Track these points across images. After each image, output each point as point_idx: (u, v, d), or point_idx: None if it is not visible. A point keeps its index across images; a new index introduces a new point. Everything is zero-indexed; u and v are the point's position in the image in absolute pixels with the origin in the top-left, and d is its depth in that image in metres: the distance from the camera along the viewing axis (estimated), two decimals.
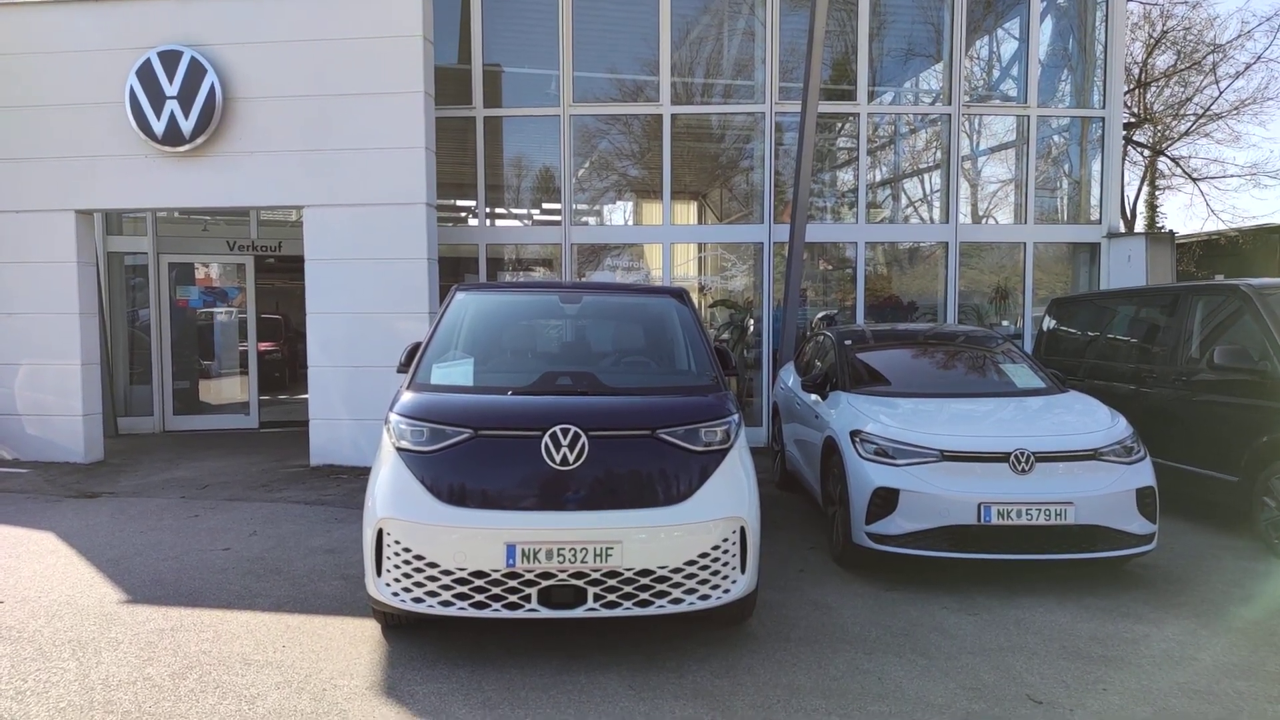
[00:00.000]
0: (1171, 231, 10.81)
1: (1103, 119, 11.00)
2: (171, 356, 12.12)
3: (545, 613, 3.99)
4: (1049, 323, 9.22)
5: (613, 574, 3.98)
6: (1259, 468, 6.04)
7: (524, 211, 11.67)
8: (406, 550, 4.05)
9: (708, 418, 4.35)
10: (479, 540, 3.98)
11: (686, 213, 12.29)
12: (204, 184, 9.37)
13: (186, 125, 9.21)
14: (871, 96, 10.85)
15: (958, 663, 4.18)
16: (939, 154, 11.20)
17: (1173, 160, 19.53)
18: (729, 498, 4.23)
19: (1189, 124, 19.37)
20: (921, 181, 11.75)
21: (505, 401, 4.41)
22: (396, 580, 4.07)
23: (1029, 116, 10.86)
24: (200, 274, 12.46)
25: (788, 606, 4.99)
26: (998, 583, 5.38)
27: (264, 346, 13.70)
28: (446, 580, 4.00)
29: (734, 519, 4.17)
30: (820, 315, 10.60)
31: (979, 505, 5.13)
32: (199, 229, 12.65)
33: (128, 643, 4.35)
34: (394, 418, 4.41)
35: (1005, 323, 11.22)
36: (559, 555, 3.96)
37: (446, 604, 4.00)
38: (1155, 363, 7.30)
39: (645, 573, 4.00)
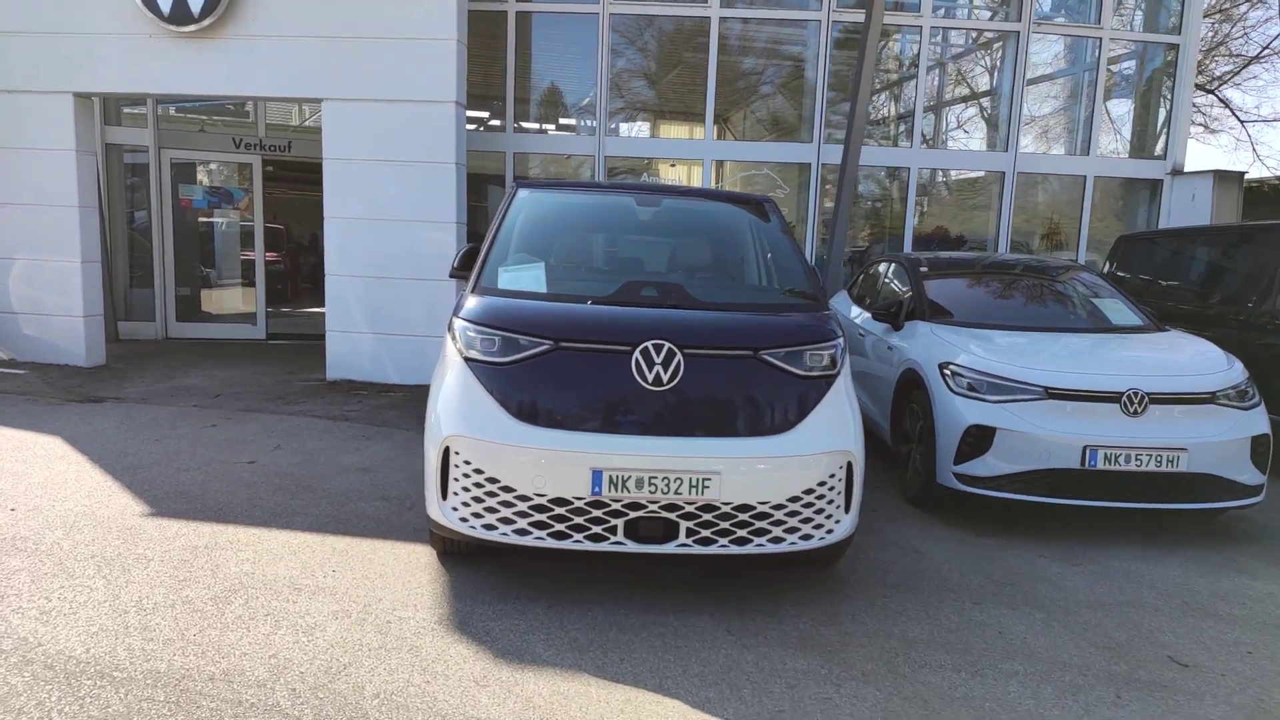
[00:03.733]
0: (1241, 172, 10.24)
1: (1177, 45, 10.32)
2: (174, 260, 11.50)
3: (633, 547, 3.55)
4: (1117, 258, 8.71)
5: (709, 508, 3.55)
6: None
7: (555, 124, 10.96)
8: (478, 472, 3.59)
9: (814, 340, 3.87)
10: (561, 464, 3.52)
11: (693, 135, 11.56)
12: (214, 69, 8.64)
13: (195, 2, 8.43)
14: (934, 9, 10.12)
15: (1078, 618, 3.80)
16: (1000, 77, 10.52)
17: (1223, 101, 18.78)
18: (836, 429, 3.78)
19: (1235, 65, 18.56)
20: (981, 106, 11.07)
21: (589, 311, 3.90)
22: (465, 505, 3.62)
23: (1101, 39, 10.17)
24: (204, 173, 11.75)
25: (871, 549, 4.59)
26: (1092, 531, 4.99)
27: (268, 256, 13.05)
28: (523, 506, 3.55)
29: (841, 453, 3.72)
30: (851, 250, 10.04)
31: (1084, 448, 4.70)
32: (202, 124, 11.88)
33: (159, 560, 3.91)
34: (460, 323, 3.90)
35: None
36: (650, 484, 3.51)
37: (522, 533, 3.56)
38: (1244, 305, 6.83)
39: (744, 508, 3.57)
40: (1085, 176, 10.35)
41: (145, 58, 8.64)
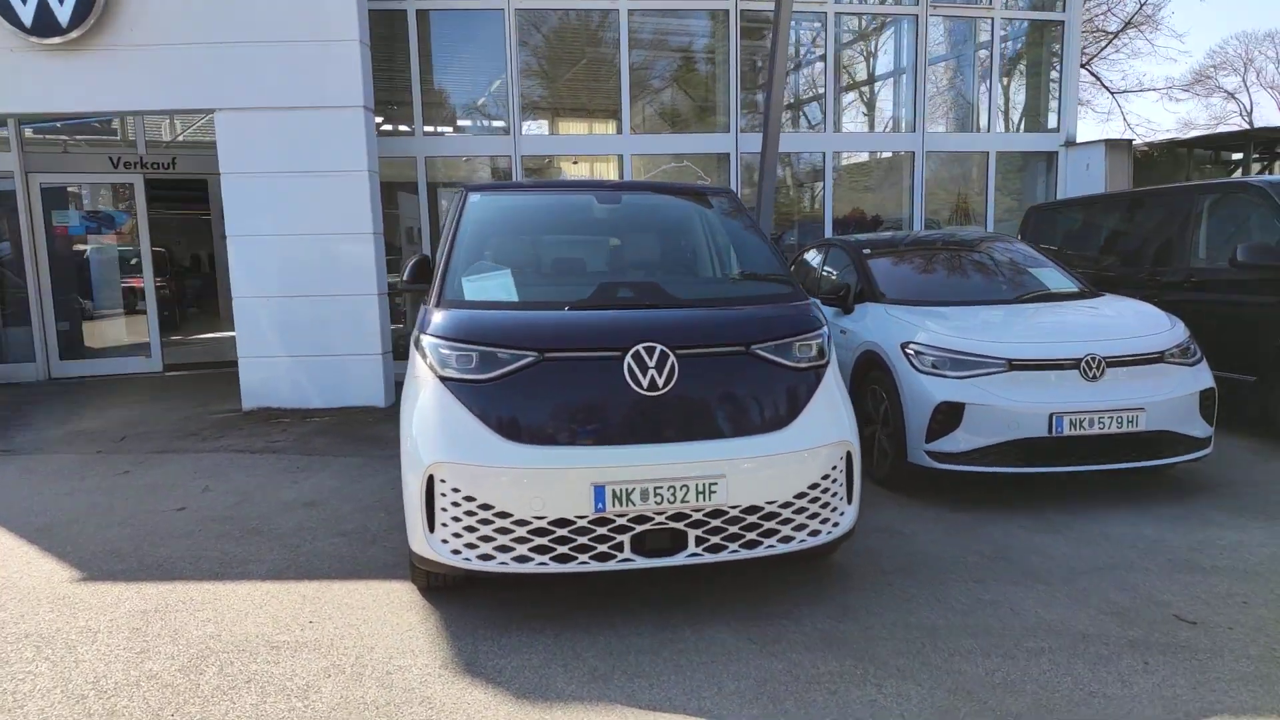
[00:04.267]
0: (1129, 140, 10.76)
1: (1063, 22, 10.75)
2: (52, 293, 10.59)
3: (641, 562, 3.37)
4: (1028, 229, 8.99)
5: (717, 513, 3.40)
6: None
7: (466, 125, 10.57)
8: (469, 499, 3.34)
9: (803, 330, 3.76)
10: (560, 482, 3.31)
11: (608, 130, 11.41)
12: (90, 84, 7.95)
13: (62, 12, 7.73)
14: None
15: (1077, 585, 3.82)
16: (903, 59, 10.73)
17: (1094, 75, 19.80)
18: (833, 420, 3.69)
19: (1101, 41, 19.62)
20: (888, 88, 11.27)
21: (571, 318, 3.69)
22: (456, 536, 3.36)
23: (993, 19, 10.49)
24: (80, 197, 10.85)
25: (858, 535, 4.51)
26: (1057, 497, 5.08)
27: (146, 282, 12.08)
28: (521, 532, 3.32)
29: (841, 444, 3.63)
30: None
31: (1050, 416, 4.77)
32: (64, 145, 10.96)
33: (106, 631, 3.49)
34: (430, 340, 3.62)
35: None
36: (656, 495, 3.33)
37: (523, 559, 3.33)
38: (1161, 266, 7.13)
39: (752, 509, 3.43)
40: (988, 152, 10.67)
41: (8, 74, 7.88)
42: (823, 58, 10.38)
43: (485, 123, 10.43)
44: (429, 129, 9.93)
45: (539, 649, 3.30)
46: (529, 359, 3.46)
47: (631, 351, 3.47)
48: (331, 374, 8.46)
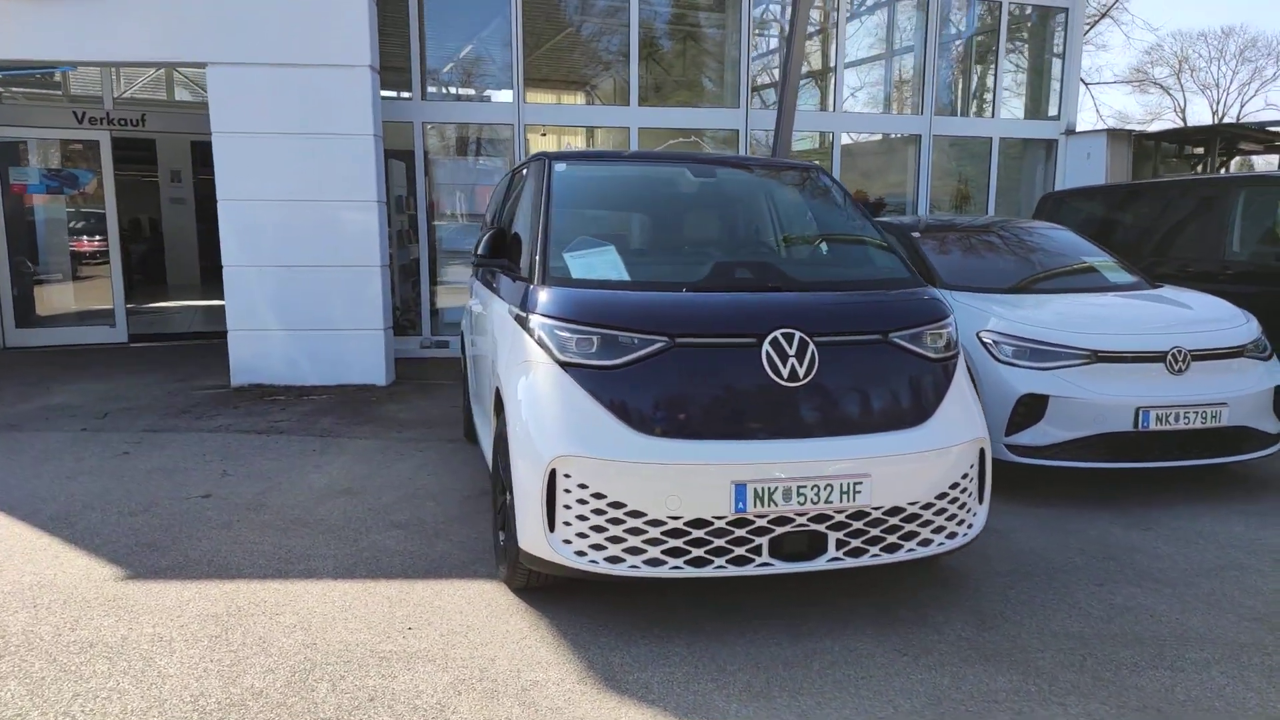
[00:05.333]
0: (1129, 129, 10.80)
1: (1067, 9, 10.70)
2: (8, 257, 9.81)
3: (781, 567, 3.12)
4: (1043, 217, 8.92)
5: (859, 514, 3.16)
6: None
7: (467, 91, 10.08)
8: (598, 497, 3.04)
9: (935, 318, 3.54)
10: (699, 479, 3.03)
11: (614, 103, 11.01)
12: (74, 31, 7.28)
13: None
14: None
15: (1201, 588, 3.69)
16: (915, 40, 10.57)
17: None
18: (970, 416, 3.48)
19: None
20: (897, 69, 11.10)
21: (702, 300, 3.39)
22: (581, 536, 3.07)
23: (1003, 3, 10.39)
24: (40, 154, 10.05)
25: None
26: (1133, 492, 4.97)
27: (93, 246, 11.19)
28: (655, 533, 3.04)
29: (977, 440, 3.43)
30: None
31: (1137, 410, 4.66)
32: (40, 96, 10.15)
33: (181, 640, 3.10)
34: (544, 321, 3.29)
35: None
36: (799, 495, 3.08)
37: (655, 562, 3.05)
38: (1193, 257, 7.10)
39: (895, 511, 3.21)
40: (991, 138, 10.61)
41: None
42: (834, 35, 10.15)
43: (487, 91, 9.95)
44: (435, 90, 9.42)
45: (676, 660, 3.03)
46: (660, 344, 3.16)
47: (769, 338, 3.20)
48: (330, 350, 7.99)
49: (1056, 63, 10.96)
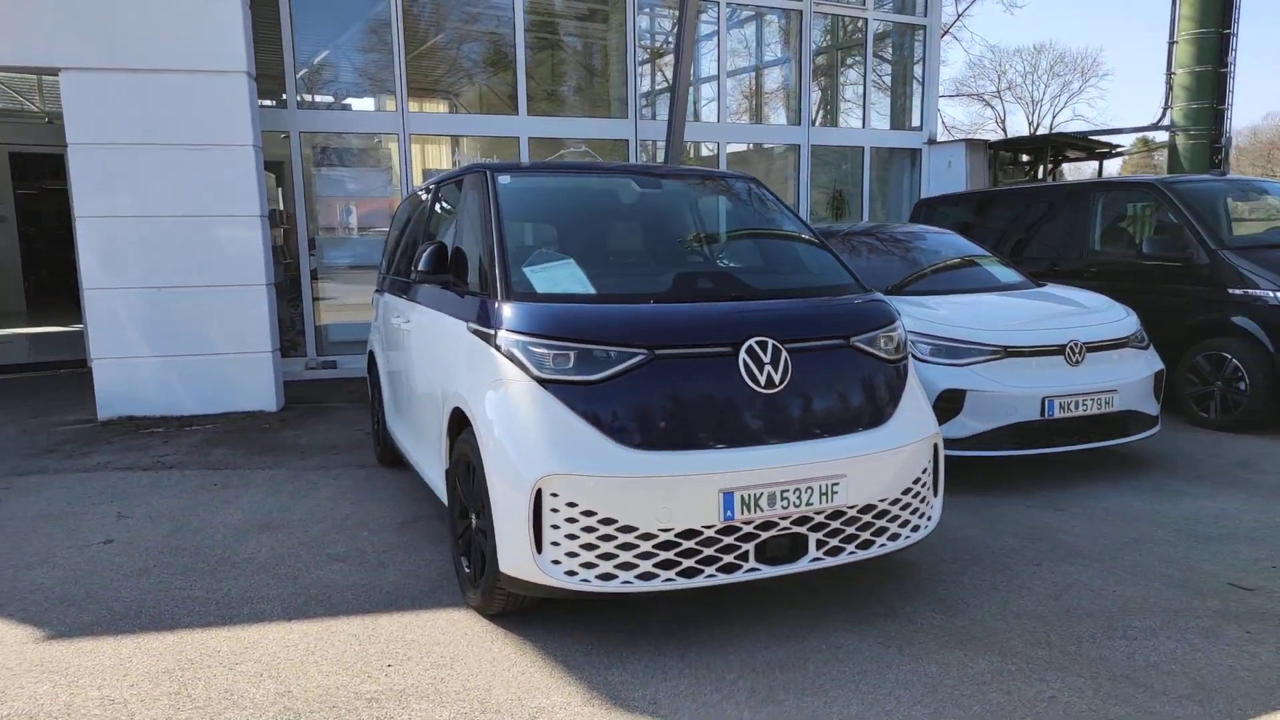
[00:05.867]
0: (986, 140, 11.60)
1: (924, 27, 11.39)
2: None
3: (767, 571, 3.16)
4: (918, 222, 9.45)
5: (836, 514, 3.25)
6: (1184, 349, 6.60)
7: (345, 99, 9.65)
8: (588, 514, 2.98)
9: (886, 322, 3.68)
10: (688, 490, 3.03)
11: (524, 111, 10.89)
12: None
13: None
14: None
15: (1124, 561, 4.00)
16: (789, 54, 10.95)
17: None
18: (923, 413, 3.65)
19: None
20: (776, 82, 11.45)
21: (679, 311, 3.39)
22: (571, 555, 3.00)
23: (866, 19, 10.94)
24: None
25: None
26: (1039, 477, 5.34)
27: None
28: (646, 547, 3.02)
29: (932, 437, 3.60)
30: None
31: (1043, 400, 5.01)
32: None
33: (137, 701, 2.81)
34: (516, 338, 3.20)
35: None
36: (783, 499, 3.14)
37: (647, 576, 3.03)
38: (1061, 255, 7.70)
39: (868, 508, 3.32)
40: (864, 147, 11.14)
41: None
42: (712, 49, 10.40)
43: (367, 98, 9.58)
44: (309, 98, 8.98)
45: (674, 673, 3.01)
46: (640, 357, 3.14)
47: (745, 346, 3.24)
48: (211, 375, 7.48)
49: (917, 77, 11.63)
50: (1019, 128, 43.41)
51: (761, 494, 3.10)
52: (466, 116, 10.19)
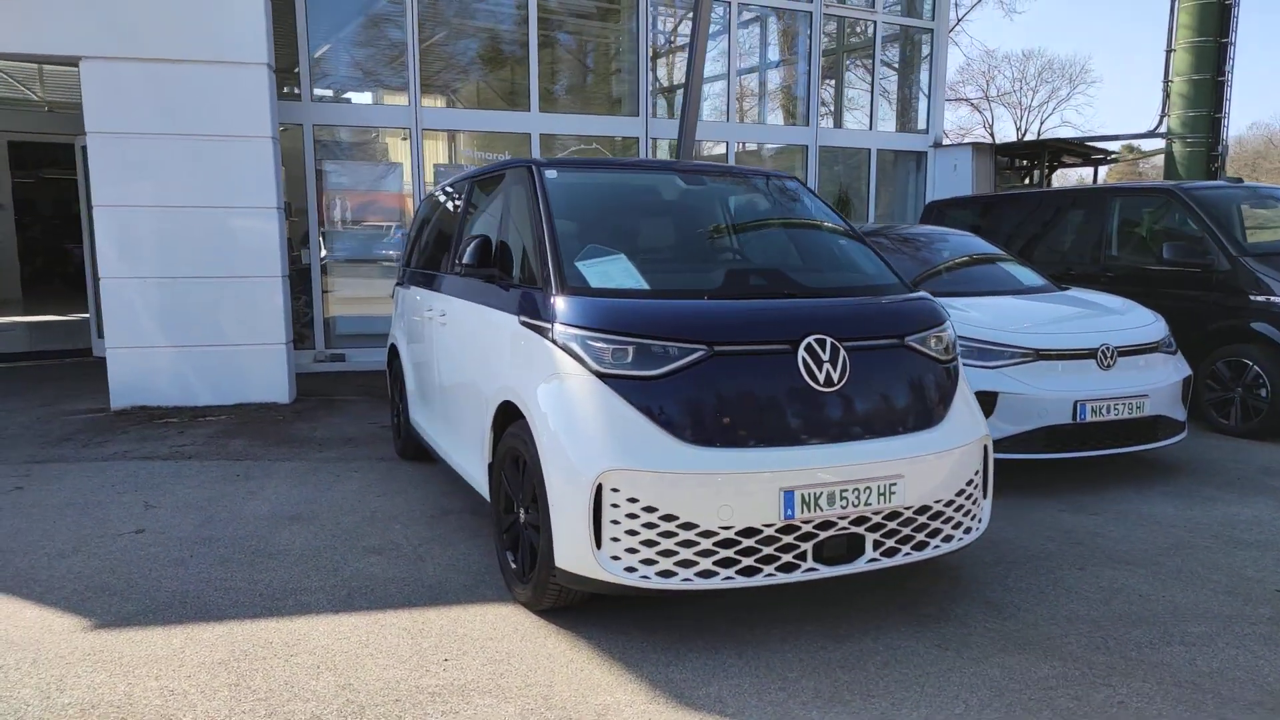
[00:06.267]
0: (992, 143, 11.63)
1: (932, 29, 11.41)
2: None
3: (825, 571, 3.14)
4: (930, 224, 9.46)
5: (893, 515, 3.23)
6: (1203, 355, 6.62)
7: (359, 92, 9.58)
8: (649, 510, 2.95)
9: (937, 322, 3.67)
10: (750, 488, 3.01)
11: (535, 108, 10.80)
12: None
13: None
14: None
15: (1167, 566, 4.00)
16: (797, 54, 10.95)
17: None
18: (974, 415, 3.65)
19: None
20: (783, 82, 11.45)
21: (737, 308, 3.37)
22: (631, 552, 2.97)
23: (876, 21, 10.95)
24: None
25: None
26: (1068, 482, 5.33)
27: None
28: (707, 544, 2.99)
29: (984, 438, 3.59)
30: None
31: (1075, 403, 5.01)
32: None
33: (198, 693, 2.76)
34: (574, 332, 3.17)
35: None
36: (842, 499, 3.12)
37: (707, 574, 3.00)
38: (1077, 259, 7.72)
39: (924, 509, 3.30)
40: (870, 149, 11.15)
41: None
42: (722, 48, 10.38)
43: (381, 93, 9.51)
44: (322, 92, 8.91)
45: (735, 671, 2.98)
46: (700, 353, 3.12)
47: (804, 344, 3.22)
48: (223, 367, 7.41)
49: (924, 80, 11.65)
50: (1007, 133, 43.62)
51: (821, 493, 3.08)
52: (479, 112, 10.13)
